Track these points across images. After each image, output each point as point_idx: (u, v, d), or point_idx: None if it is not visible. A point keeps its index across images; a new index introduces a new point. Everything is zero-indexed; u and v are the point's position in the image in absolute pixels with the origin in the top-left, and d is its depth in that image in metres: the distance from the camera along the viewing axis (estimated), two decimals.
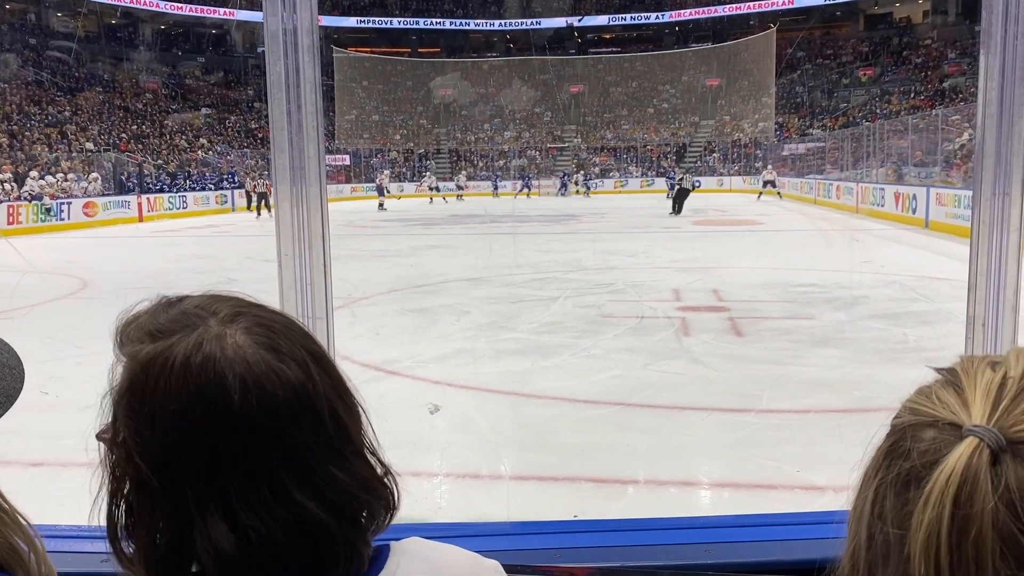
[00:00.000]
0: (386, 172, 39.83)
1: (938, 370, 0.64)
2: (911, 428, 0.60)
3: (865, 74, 49.44)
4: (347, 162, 48.19)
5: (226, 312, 0.75)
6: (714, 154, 49.14)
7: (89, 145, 34.96)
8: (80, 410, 5.46)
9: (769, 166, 38.18)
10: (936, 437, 0.58)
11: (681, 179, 27.66)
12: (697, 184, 29.23)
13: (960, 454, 0.55)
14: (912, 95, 43.90)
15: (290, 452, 0.72)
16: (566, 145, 52.49)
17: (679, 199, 26.02)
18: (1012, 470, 0.54)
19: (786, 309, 9.03)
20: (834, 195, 27.83)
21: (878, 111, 43.29)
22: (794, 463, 4.33)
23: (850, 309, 8.77)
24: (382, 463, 0.80)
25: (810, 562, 1.16)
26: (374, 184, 35.34)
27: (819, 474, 4.15)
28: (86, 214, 25.10)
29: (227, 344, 0.72)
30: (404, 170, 50.49)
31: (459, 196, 38.79)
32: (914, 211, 19.69)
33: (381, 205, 31.02)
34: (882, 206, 22.37)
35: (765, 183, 34.98)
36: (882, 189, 23.09)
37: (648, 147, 51.11)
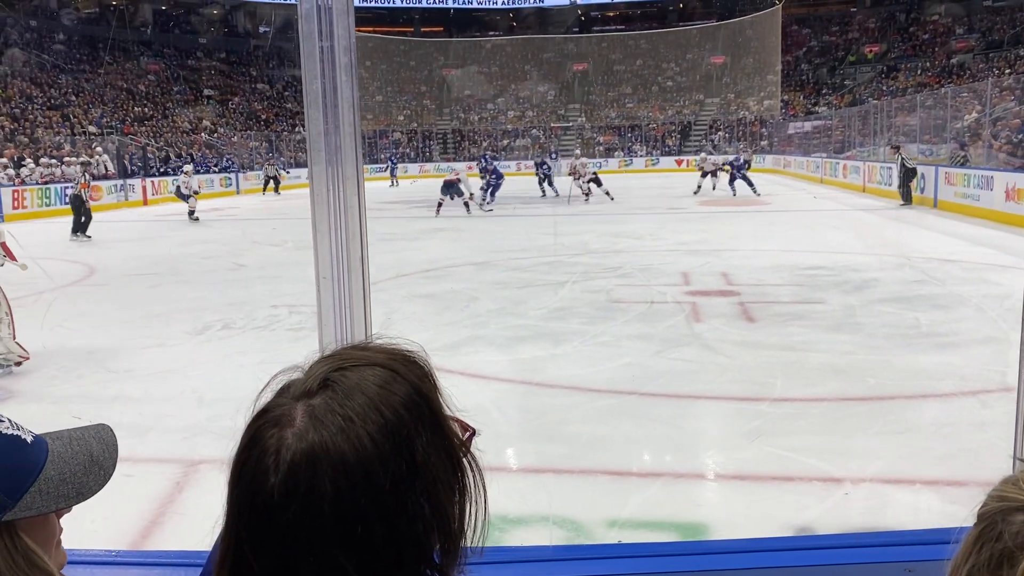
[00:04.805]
0: (582, 158, 26.65)
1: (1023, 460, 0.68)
2: (1000, 514, 0.65)
3: (871, 51, 49.04)
4: None
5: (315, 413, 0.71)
6: (719, 132, 48.87)
7: (92, 128, 34.83)
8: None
9: (705, 154, 28.87)
10: None
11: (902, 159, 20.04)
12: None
13: None
14: (919, 72, 43.55)
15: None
16: (570, 124, 52.23)
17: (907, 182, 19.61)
18: None
19: (796, 293, 8.99)
20: (840, 174, 27.63)
21: (884, 88, 42.98)
22: (810, 453, 4.31)
23: (860, 293, 8.73)
24: None
25: None
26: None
27: (836, 465, 4.13)
28: (91, 198, 24.99)
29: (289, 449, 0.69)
30: (408, 151, 50.31)
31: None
32: (923, 190, 19.56)
33: (607, 191, 23.24)
34: (890, 185, 22.18)
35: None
36: (889, 168, 22.89)
37: (652, 126, 50.84)
